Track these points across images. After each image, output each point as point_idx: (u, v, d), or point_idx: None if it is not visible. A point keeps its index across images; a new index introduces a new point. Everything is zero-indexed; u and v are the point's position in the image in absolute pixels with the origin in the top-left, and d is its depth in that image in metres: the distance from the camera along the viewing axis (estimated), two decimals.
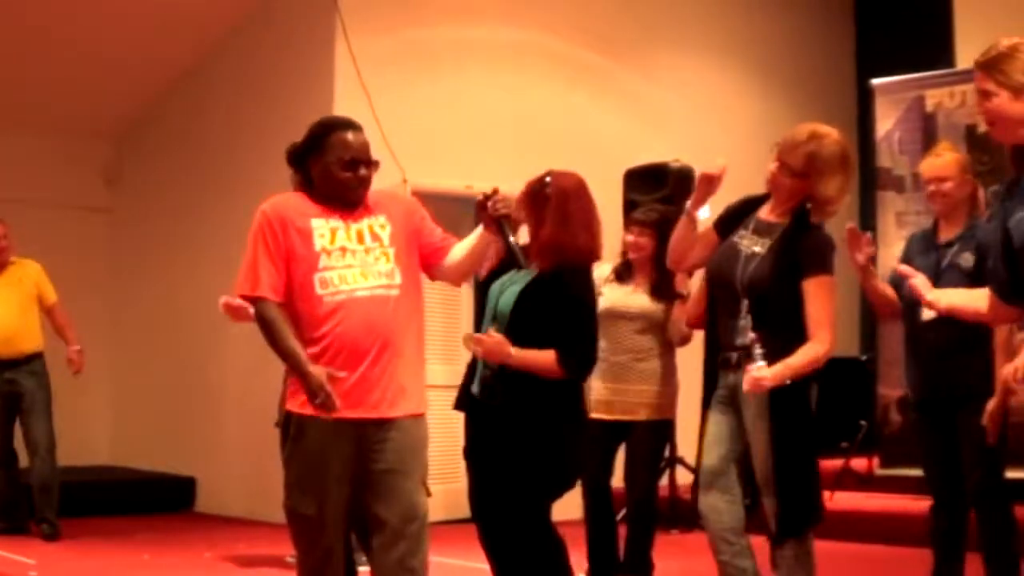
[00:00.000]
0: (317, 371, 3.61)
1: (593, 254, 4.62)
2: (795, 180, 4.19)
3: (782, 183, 4.23)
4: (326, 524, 3.77)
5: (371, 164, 3.87)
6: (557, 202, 4.54)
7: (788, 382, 4.03)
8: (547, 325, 4.43)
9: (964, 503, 4.91)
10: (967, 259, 4.83)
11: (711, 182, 4.29)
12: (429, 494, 3.88)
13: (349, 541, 4.01)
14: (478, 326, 4.77)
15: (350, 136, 3.83)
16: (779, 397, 4.05)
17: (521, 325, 4.47)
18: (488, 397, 4.53)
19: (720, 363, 4.25)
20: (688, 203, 4.43)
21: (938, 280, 4.73)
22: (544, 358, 4.40)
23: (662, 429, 5.90)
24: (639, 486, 5.82)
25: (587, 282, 4.58)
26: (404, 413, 3.77)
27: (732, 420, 4.21)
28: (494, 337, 4.43)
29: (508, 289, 4.60)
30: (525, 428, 4.44)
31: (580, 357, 4.48)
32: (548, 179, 4.60)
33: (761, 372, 3.96)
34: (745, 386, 4.01)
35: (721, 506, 4.18)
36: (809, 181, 4.18)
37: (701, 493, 4.23)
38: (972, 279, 4.69)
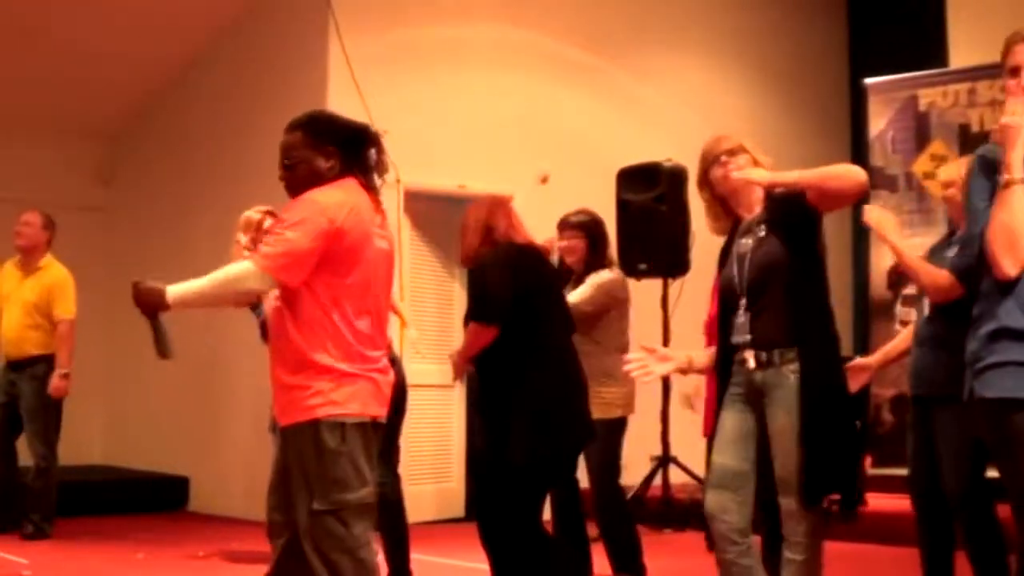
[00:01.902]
0: None
1: (507, 235, 4.88)
2: (739, 155, 4.25)
3: (734, 167, 4.25)
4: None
5: (286, 166, 3.85)
6: (468, 216, 4.97)
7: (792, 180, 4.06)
8: None
9: (946, 507, 4.91)
10: (952, 250, 4.87)
11: None
12: (341, 522, 3.66)
13: None
14: None
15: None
16: (810, 392, 3.98)
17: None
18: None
19: (737, 361, 4.17)
20: None
21: None
22: (466, 335, 4.80)
23: (611, 428, 5.84)
24: (598, 486, 5.84)
25: (496, 254, 4.81)
26: (287, 421, 3.75)
27: (749, 419, 4.15)
28: (453, 354, 4.93)
29: None
30: (495, 428, 4.69)
31: (477, 309, 4.76)
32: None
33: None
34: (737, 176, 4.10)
35: (731, 506, 4.11)
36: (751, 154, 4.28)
37: (711, 491, 4.14)
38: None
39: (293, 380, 3.69)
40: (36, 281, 7.70)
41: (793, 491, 4.01)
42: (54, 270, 7.77)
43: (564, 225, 6.07)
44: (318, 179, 3.77)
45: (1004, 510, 4.88)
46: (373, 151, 3.89)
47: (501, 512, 4.69)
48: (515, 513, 4.69)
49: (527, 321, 4.71)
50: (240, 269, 3.68)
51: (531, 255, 4.90)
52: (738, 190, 4.27)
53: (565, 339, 4.95)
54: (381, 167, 3.90)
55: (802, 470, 3.97)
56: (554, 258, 5.84)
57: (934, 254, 5.06)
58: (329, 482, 3.63)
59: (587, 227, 6.01)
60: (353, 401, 3.69)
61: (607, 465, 5.87)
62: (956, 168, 5.10)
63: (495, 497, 4.69)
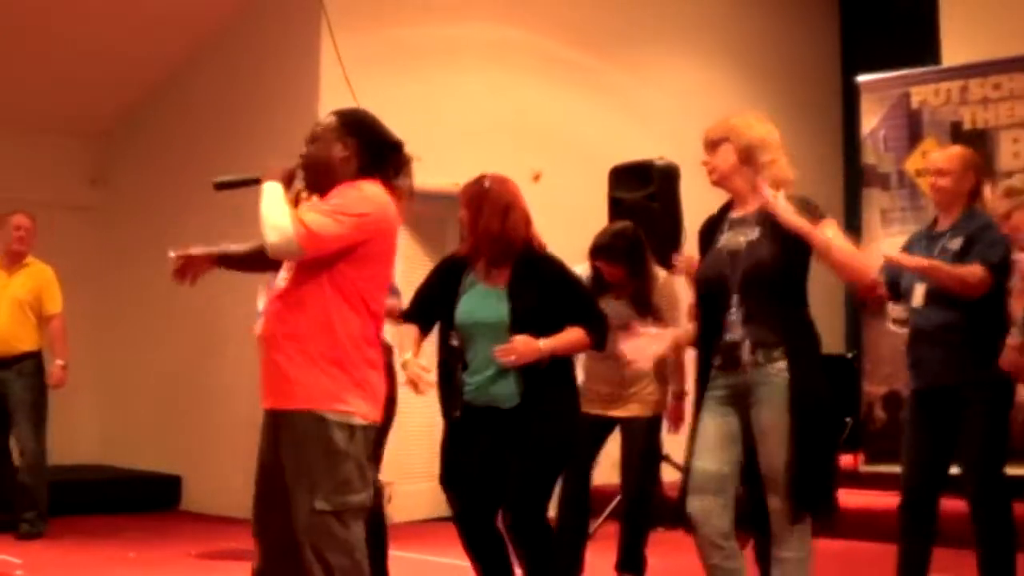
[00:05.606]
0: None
1: (530, 243, 4.79)
2: (721, 145, 4.20)
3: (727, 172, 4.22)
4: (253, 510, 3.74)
5: (310, 140, 3.81)
6: (495, 196, 4.73)
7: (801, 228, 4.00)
8: (555, 310, 4.62)
9: (935, 503, 4.92)
10: (956, 243, 4.86)
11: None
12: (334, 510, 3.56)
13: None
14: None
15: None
16: (799, 392, 3.98)
17: (528, 320, 4.59)
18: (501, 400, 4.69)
19: (722, 363, 4.15)
20: None
21: None
22: (574, 336, 4.62)
23: (655, 425, 5.92)
24: (633, 482, 5.85)
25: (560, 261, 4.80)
26: (287, 407, 3.60)
27: (734, 421, 4.13)
28: (520, 339, 4.53)
29: (477, 301, 4.72)
30: (543, 426, 4.62)
31: (601, 322, 4.75)
32: (486, 181, 4.79)
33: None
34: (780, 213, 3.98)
35: (715, 510, 4.08)
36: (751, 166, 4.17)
37: (692, 496, 4.11)
38: (957, 260, 4.75)
39: (322, 364, 3.58)
40: (24, 279, 7.73)
41: (780, 490, 4.00)
42: (40, 267, 7.83)
43: (599, 253, 5.85)
44: (329, 168, 3.75)
45: (1019, 508, 4.91)
46: (395, 168, 3.91)
47: (526, 502, 4.66)
48: (538, 511, 4.69)
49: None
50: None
51: None
52: (731, 188, 4.25)
53: None
54: (405, 188, 3.92)
55: (792, 476, 3.96)
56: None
57: (916, 244, 5.07)
58: (337, 483, 3.54)
59: (623, 253, 5.81)
60: (363, 402, 3.62)
61: (647, 460, 5.97)
62: (951, 155, 5.08)
63: (522, 488, 4.64)
